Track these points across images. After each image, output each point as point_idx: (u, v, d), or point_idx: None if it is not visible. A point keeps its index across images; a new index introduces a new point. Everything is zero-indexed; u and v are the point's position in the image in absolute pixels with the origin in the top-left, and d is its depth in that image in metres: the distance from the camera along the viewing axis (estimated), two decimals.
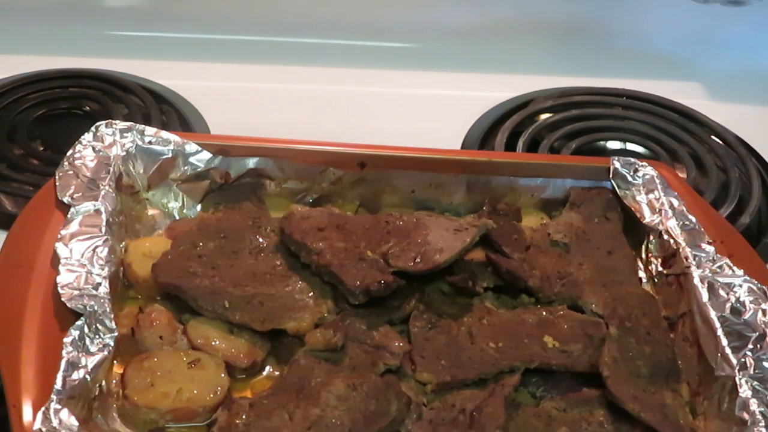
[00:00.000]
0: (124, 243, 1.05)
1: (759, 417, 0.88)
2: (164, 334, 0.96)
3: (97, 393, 0.87)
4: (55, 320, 0.89)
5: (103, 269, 0.94)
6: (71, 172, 1.05)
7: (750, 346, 0.95)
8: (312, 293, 1.01)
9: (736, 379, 0.92)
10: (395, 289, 0.99)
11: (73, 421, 0.80)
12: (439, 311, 1.03)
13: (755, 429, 0.88)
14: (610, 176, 1.19)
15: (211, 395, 0.91)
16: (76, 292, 0.91)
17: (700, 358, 0.99)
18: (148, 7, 1.59)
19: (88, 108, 1.41)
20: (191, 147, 1.13)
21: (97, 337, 0.88)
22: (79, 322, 0.88)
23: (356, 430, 0.88)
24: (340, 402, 0.90)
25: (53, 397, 0.81)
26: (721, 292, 1.00)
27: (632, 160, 1.21)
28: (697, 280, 1.03)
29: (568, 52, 1.66)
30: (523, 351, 0.99)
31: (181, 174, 1.13)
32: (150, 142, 1.11)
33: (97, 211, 1.00)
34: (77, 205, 1.00)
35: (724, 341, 0.96)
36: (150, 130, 1.12)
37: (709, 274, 1.03)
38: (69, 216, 0.99)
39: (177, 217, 1.14)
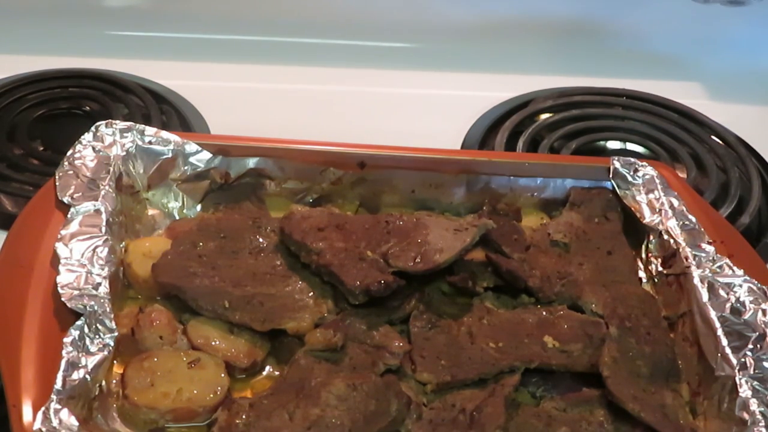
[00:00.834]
0: (124, 243, 1.05)
1: (759, 417, 0.88)
2: (164, 334, 0.96)
3: (97, 393, 0.87)
4: (55, 320, 0.89)
5: (103, 269, 0.94)
6: (71, 172, 1.05)
7: (750, 346, 0.95)
8: (312, 293, 1.01)
9: (736, 379, 0.92)
10: (395, 289, 0.99)
11: (73, 421, 0.80)
12: (439, 311, 1.03)
13: (755, 429, 0.88)
14: (610, 176, 1.19)
15: (211, 395, 0.91)
16: (76, 292, 0.91)
17: (700, 358, 0.99)
18: (148, 7, 1.60)
19: (88, 108, 1.41)
20: (191, 147, 1.13)
21: (97, 337, 0.88)
22: (79, 322, 0.88)
23: (356, 430, 0.88)
24: (340, 402, 0.90)
25: (53, 397, 0.81)
26: (721, 292, 1.00)
27: (632, 160, 1.21)
28: (697, 280, 1.03)
29: (568, 52, 1.66)
30: (523, 351, 0.99)
31: (181, 174, 1.13)
32: (150, 142, 1.11)
33: (97, 211, 1.00)
34: (77, 205, 1.00)
35: (724, 341, 0.96)
36: (150, 130, 1.12)
37: (709, 274, 1.03)
38: (69, 216, 0.99)
39: (177, 217, 1.14)
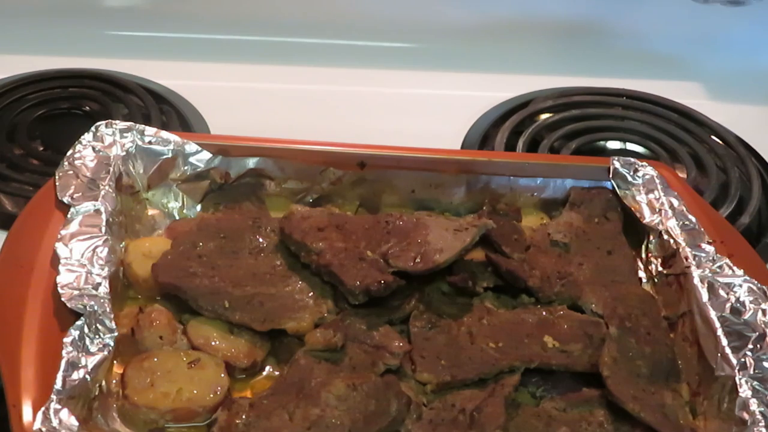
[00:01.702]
0: (124, 243, 1.05)
1: (759, 417, 0.88)
2: (164, 334, 0.96)
3: (97, 393, 0.87)
4: (55, 320, 0.89)
5: (103, 269, 0.94)
6: (71, 172, 1.05)
7: (750, 346, 0.95)
8: (312, 293, 1.01)
9: (736, 379, 0.92)
10: (395, 289, 0.99)
11: (73, 421, 0.80)
12: (439, 311, 1.03)
13: (755, 429, 0.88)
14: (610, 176, 1.19)
15: (211, 395, 0.91)
16: (76, 292, 0.90)
17: (700, 358, 0.99)
18: (148, 7, 1.59)
19: (88, 108, 1.41)
20: (191, 147, 1.13)
21: (97, 337, 0.88)
22: (79, 322, 0.88)
23: (356, 430, 0.88)
24: (340, 402, 0.90)
25: (53, 397, 0.81)
26: (721, 292, 1.00)
27: (632, 160, 1.21)
28: (697, 280, 1.03)
29: (568, 52, 1.66)
30: (523, 351, 0.99)
31: (181, 174, 1.13)
32: (150, 142, 1.11)
33: (97, 211, 1.00)
34: (77, 205, 1.00)
35: (724, 341, 0.96)
36: (150, 130, 1.12)
37: (709, 274, 1.03)
38: (69, 216, 0.99)
39: (177, 217, 1.14)
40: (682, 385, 0.99)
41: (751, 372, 0.92)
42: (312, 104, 1.50)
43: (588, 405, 0.95)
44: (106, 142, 1.10)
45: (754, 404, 0.90)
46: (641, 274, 1.13)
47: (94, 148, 1.09)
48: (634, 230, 1.16)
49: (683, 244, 1.08)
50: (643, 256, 1.14)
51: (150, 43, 1.59)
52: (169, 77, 1.50)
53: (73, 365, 0.84)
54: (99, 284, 0.93)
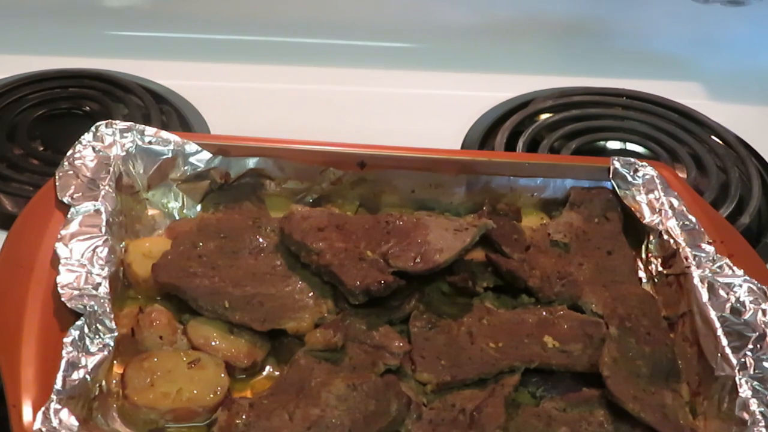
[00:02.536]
0: (124, 243, 1.05)
1: (759, 417, 0.88)
2: (164, 334, 0.96)
3: (97, 393, 0.87)
4: (55, 320, 0.89)
5: (103, 269, 0.94)
6: (71, 172, 1.05)
7: (750, 346, 0.95)
8: (312, 293, 1.01)
9: (736, 379, 0.92)
10: (395, 289, 0.99)
11: (73, 421, 0.80)
12: (439, 311, 1.03)
13: (755, 429, 0.88)
14: (610, 176, 1.19)
15: (211, 395, 0.91)
16: (76, 292, 0.91)
17: (700, 358, 0.99)
18: (148, 7, 1.60)
19: (88, 108, 1.41)
20: (191, 147, 1.13)
21: (97, 337, 0.88)
22: (79, 322, 0.88)
23: (356, 430, 0.88)
24: (340, 402, 0.90)
25: (53, 397, 0.81)
26: (721, 292, 1.00)
27: (632, 160, 1.21)
28: (697, 280, 1.03)
29: (568, 52, 1.66)
30: (523, 351, 0.99)
31: (181, 174, 1.13)
32: (150, 142, 1.11)
33: (97, 211, 1.00)
34: (77, 205, 1.00)
35: (724, 341, 0.96)
36: (150, 130, 1.12)
37: (709, 274, 1.03)
38: (69, 216, 0.99)
39: (177, 217, 1.14)
40: (682, 385, 0.99)
41: (751, 372, 0.92)
42: (312, 104, 1.50)
43: (588, 405, 0.95)
44: (106, 142, 1.10)
45: (754, 404, 0.90)
46: (641, 274, 1.13)
47: (94, 148, 1.09)
48: (634, 230, 1.16)
49: (683, 244, 1.08)
50: (643, 256, 1.14)
51: (150, 43, 1.59)
52: (169, 77, 1.50)
53: (73, 365, 0.84)
54: (99, 284, 0.93)
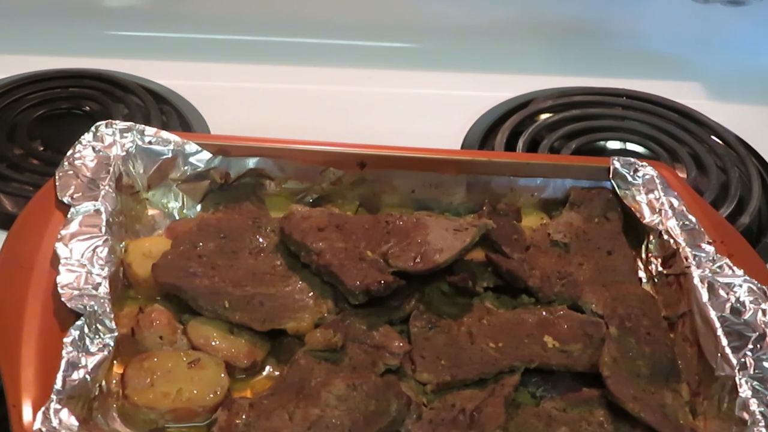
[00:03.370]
0: (124, 243, 1.05)
1: (759, 417, 0.88)
2: (164, 334, 0.96)
3: (97, 393, 0.87)
4: (55, 320, 0.89)
5: (103, 269, 0.94)
6: (71, 172, 1.05)
7: (750, 346, 0.95)
8: (312, 293, 1.01)
9: (736, 379, 0.92)
10: (395, 289, 0.99)
11: (73, 421, 0.80)
12: (439, 311, 1.03)
13: (755, 429, 0.88)
14: (610, 176, 1.19)
15: (211, 395, 0.91)
16: (76, 292, 0.90)
17: (700, 358, 0.99)
18: (148, 7, 1.60)
19: (88, 108, 1.41)
20: (191, 147, 1.13)
21: (97, 337, 0.88)
22: (79, 322, 0.88)
23: (356, 430, 0.88)
24: (340, 402, 0.90)
25: (53, 397, 0.81)
26: (721, 292, 1.00)
27: (632, 160, 1.21)
28: (697, 280, 1.03)
29: (568, 52, 1.66)
30: (523, 351, 0.99)
31: (181, 174, 1.13)
32: (150, 142, 1.11)
33: (97, 211, 1.00)
34: (77, 205, 1.00)
35: (724, 341, 0.96)
36: (150, 130, 1.12)
37: (709, 274, 1.03)
38: (69, 216, 0.99)
39: (177, 217, 1.14)
40: (682, 385, 0.99)
41: (751, 372, 0.92)
42: (312, 104, 1.50)
43: (588, 405, 0.95)
44: (106, 142, 1.10)
45: (754, 404, 0.90)
46: (641, 274, 1.14)
47: (94, 148, 1.09)
48: (634, 230, 1.16)
49: (683, 244, 1.08)
50: (643, 256, 1.15)
51: (150, 43, 1.59)
52: (169, 77, 1.50)
53: (73, 365, 0.84)
54: (99, 284, 0.93)
